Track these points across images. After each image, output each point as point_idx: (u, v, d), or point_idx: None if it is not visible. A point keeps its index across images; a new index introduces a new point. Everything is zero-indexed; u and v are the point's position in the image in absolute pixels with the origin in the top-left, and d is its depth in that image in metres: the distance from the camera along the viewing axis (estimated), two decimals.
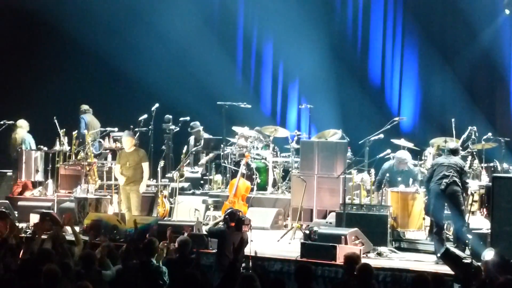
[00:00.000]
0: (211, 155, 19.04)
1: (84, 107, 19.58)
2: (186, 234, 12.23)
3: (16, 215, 16.58)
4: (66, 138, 18.26)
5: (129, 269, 10.32)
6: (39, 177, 18.44)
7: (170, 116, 18.97)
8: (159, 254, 10.65)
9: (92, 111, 19.66)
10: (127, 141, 16.00)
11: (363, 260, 10.66)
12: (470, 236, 12.69)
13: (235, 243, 10.56)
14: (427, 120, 20.05)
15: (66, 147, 18.16)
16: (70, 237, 11.83)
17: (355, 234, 13.25)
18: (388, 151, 15.79)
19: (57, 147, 18.35)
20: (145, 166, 15.85)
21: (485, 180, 15.14)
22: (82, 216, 15.66)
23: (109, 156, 17.94)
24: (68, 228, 12.14)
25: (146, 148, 16.91)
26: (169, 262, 10.76)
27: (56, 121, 18.37)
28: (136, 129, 17.62)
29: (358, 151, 16.27)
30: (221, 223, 12.53)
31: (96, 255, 10.21)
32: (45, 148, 18.59)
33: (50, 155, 18.53)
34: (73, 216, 14.94)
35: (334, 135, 17.35)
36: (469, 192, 13.82)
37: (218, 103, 19.13)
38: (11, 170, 18.53)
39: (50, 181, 18.24)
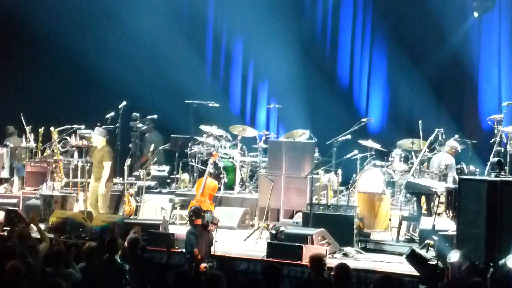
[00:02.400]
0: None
1: (9, 129, 19.11)
2: (133, 232, 11.90)
3: None
4: (32, 134, 18.09)
5: (94, 267, 10.27)
6: (5, 173, 18.25)
7: (138, 114, 18.87)
8: None
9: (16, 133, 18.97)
10: (95, 139, 15.95)
11: (329, 261, 10.65)
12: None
13: (203, 242, 10.53)
14: (394, 121, 20.08)
15: (32, 144, 17.99)
16: (35, 234, 11.71)
17: (322, 234, 13.25)
18: (356, 151, 15.84)
19: (23, 144, 18.19)
20: (106, 165, 15.69)
21: (451, 182, 15.18)
22: (48, 213, 15.53)
23: (76, 154, 17.78)
24: (33, 226, 11.98)
25: (112, 146, 16.77)
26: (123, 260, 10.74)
27: (22, 117, 18.22)
28: (103, 127, 17.48)
29: (325, 151, 16.28)
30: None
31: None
32: (11, 145, 18.40)
33: (16, 151, 18.35)
34: (38, 213, 14.85)
35: (302, 135, 17.37)
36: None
37: (186, 101, 19.07)
38: None
39: (15, 177, 18.07)
